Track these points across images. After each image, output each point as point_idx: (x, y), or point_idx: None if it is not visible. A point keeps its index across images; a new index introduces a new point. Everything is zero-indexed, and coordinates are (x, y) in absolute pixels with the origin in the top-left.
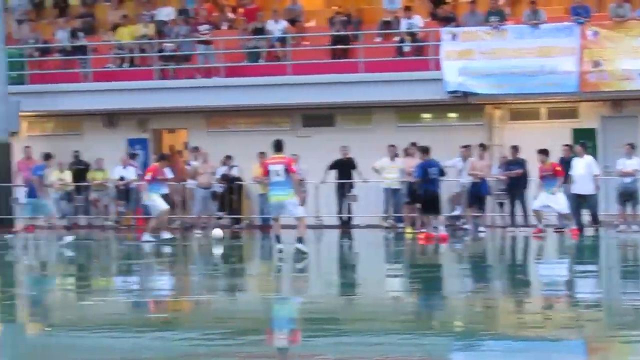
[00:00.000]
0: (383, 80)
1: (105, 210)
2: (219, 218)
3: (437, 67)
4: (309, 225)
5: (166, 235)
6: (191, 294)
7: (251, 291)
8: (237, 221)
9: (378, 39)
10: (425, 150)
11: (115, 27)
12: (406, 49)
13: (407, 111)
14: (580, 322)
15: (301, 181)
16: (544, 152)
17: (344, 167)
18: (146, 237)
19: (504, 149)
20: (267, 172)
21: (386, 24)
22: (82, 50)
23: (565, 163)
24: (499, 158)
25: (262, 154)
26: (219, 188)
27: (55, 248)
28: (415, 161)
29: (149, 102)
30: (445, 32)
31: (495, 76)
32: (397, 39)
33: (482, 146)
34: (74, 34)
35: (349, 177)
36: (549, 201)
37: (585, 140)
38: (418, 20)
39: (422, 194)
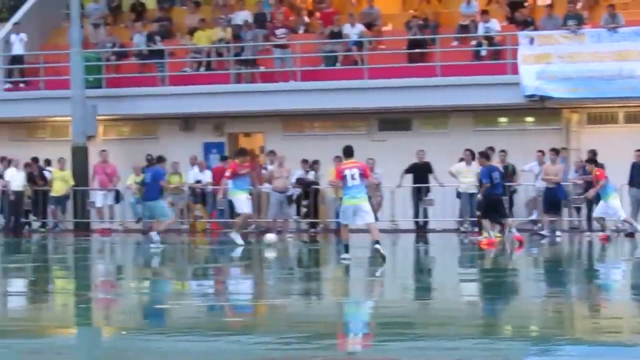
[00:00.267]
0: (460, 84)
1: (181, 213)
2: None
3: (514, 71)
4: (384, 229)
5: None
6: (267, 298)
7: (326, 295)
8: (314, 225)
9: (455, 43)
10: (486, 156)
11: (192, 31)
12: (483, 52)
13: (484, 115)
14: None
15: (377, 185)
16: (591, 161)
17: (420, 172)
18: (234, 236)
19: (580, 153)
20: (341, 177)
21: (463, 28)
22: (158, 54)
23: (638, 168)
24: (576, 162)
25: (337, 158)
26: (295, 192)
27: (146, 250)
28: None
29: (225, 105)
30: (523, 36)
31: (573, 80)
32: (474, 42)
33: (555, 150)
34: (150, 38)
35: (425, 181)
36: (606, 209)
37: None
38: (495, 24)
39: (486, 198)
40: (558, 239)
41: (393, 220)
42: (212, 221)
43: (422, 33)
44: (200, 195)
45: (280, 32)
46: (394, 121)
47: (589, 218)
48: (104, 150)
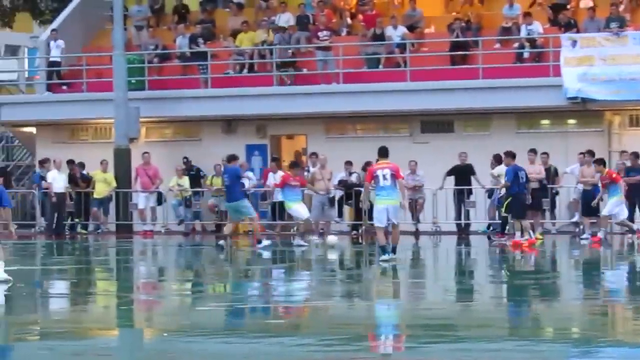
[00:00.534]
0: (502, 86)
1: (222, 216)
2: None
3: (557, 73)
4: (426, 231)
5: (302, 242)
6: (309, 300)
7: (368, 297)
8: (356, 227)
9: (497, 45)
10: (512, 155)
11: (234, 33)
12: (525, 55)
13: (526, 117)
14: None
15: (419, 187)
16: (599, 162)
17: (462, 174)
18: (297, 241)
19: (623, 155)
20: (373, 178)
21: (505, 30)
22: (201, 56)
23: None
24: (617, 164)
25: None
26: (337, 193)
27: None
28: (534, 167)
29: (267, 108)
30: (565, 38)
31: (615, 82)
32: (516, 45)
33: (591, 153)
34: (193, 40)
35: (467, 183)
36: (615, 208)
37: None
38: (537, 26)
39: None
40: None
41: (435, 222)
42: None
43: (465, 35)
44: None
45: (322, 34)
46: (437, 123)
47: (632, 220)
48: (146, 153)
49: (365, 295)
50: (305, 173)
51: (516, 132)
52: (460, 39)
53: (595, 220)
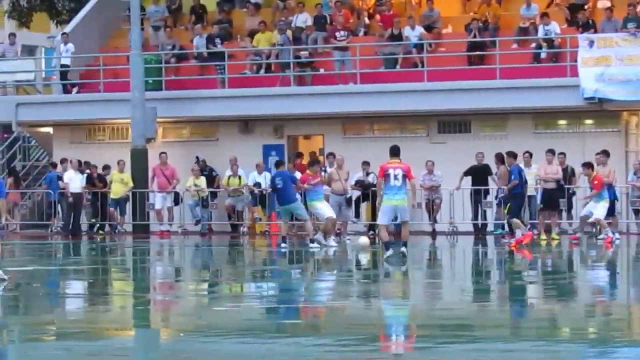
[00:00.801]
0: (519, 86)
1: (240, 216)
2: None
3: (574, 73)
4: (442, 231)
5: (332, 242)
6: (325, 300)
7: (384, 297)
8: (372, 227)
9: (515, 45)
10: (514, 156)
11: (252, 34)
12: (543, 55)
13: (543, 118)
14: None
15: (436, 187)
16: (587, 166)
17: (479, 174)
18: (318, 236)
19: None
20: (384, 175)
21: (523, 30)
22: (218, 56)
23: None
24: (634, 165)
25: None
26: (354, 194)
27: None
28: (551, 168)
29: (284, 108)
30: (583, 38)
31: (632, 83)
32: (533, 45)
33: (606, 153)
34: (210, 40)
35: (484, 183)
36: (591, 208)
37: None
38: (555, 27)
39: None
40: (616, 241)
41: (452, 223)
42: (271, 223)
43: (482, 35)
44: (259, 198)
45: (340, 34)
46: (454, 123)
47: None
48: (163, 153)
49: (381, 295)
50: (323, 173)
51: (533, 133)
52: (478, 39)
53: (611, 221)
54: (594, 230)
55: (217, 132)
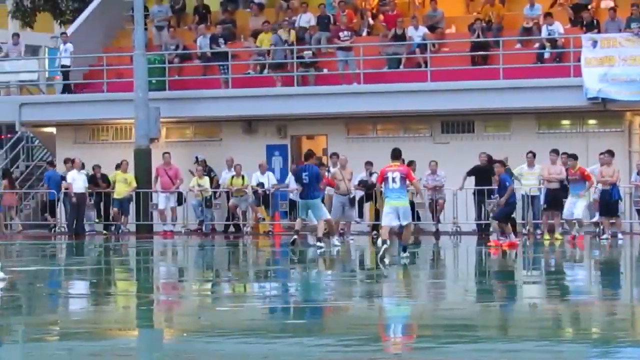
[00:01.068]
0: (523, 86)
1: (244, 216)
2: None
3: (577, 73)
4: (446, 231)
5: (337, 242)
6: (328, 300)
7: (387, 297)
8: (376, 227)
9: (518, 46)
10: (503, 164)
11: (255, 34)
12: (546, 55)
13: (546, 118)
14: None
15: (440, 187)
16: (573, 157)
17: (483, 174)
18: (334, 241)
19: None
20: (383, 179)
21: (526, 30)
22: (222, 56)
23: None
24: (637, 165)
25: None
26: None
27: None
28: (555, 168)
29: (288, 108)
30: (586, 38)
31: (636, 83)
32: (537, 45)
33: (611, 153)
34: (214, 40)
35: (488, 183)
36: (572, 205)
37: None
38: (558, 27)
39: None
40: (619, 242)
41: (455, 223)
42: (274, 223)
43: (486, 35)
44: (262, 198)
45: (343, 34)
46: (457, 123)
47: None
48: (166, 153)
49: (384, 295)
50: (326, 173)
51: (536, 133)
52: (481, 39)
53: (614, 221)
54: (597, 230)
55: (220, 132)
